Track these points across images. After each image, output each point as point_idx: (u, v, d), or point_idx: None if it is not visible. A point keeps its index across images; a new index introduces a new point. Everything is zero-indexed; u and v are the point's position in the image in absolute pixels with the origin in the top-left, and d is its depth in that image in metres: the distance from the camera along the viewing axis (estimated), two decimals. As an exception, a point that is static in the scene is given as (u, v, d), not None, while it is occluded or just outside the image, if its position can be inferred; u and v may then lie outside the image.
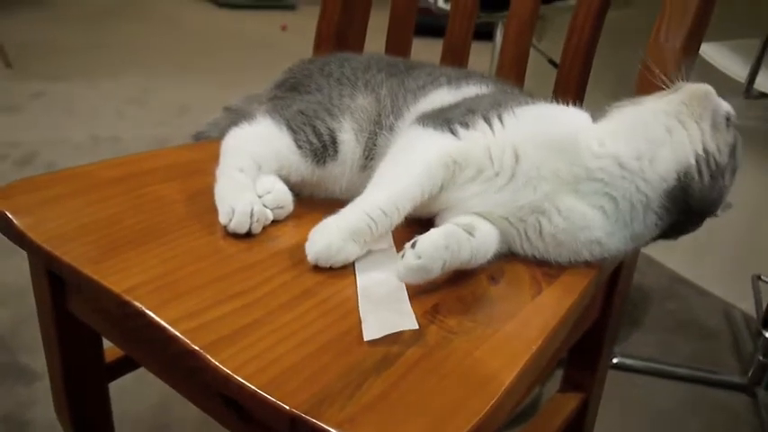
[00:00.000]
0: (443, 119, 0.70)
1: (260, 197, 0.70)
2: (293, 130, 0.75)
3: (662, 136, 0.65)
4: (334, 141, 0.75)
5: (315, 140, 0.75)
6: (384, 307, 0.59)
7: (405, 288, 0.61)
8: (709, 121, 0.66)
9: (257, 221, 0.68)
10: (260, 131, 0.76)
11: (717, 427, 1.30)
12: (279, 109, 0.78)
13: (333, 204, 0.71)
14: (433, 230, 0.62)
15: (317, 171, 0.75)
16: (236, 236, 0.68)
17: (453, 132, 0.68)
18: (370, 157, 0.75)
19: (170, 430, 1.16)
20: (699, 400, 1.36)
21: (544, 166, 0.65)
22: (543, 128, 0.68)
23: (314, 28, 1.07)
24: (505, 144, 0.67)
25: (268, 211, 0.70)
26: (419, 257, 0.59)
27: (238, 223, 0.67)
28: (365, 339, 0.54)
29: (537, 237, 0.67)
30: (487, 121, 0.68)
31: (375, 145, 0.75)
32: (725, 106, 0.67)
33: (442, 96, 0.76)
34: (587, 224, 0.65)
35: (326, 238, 0.63)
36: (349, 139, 0.76)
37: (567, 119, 0.69)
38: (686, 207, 0.65)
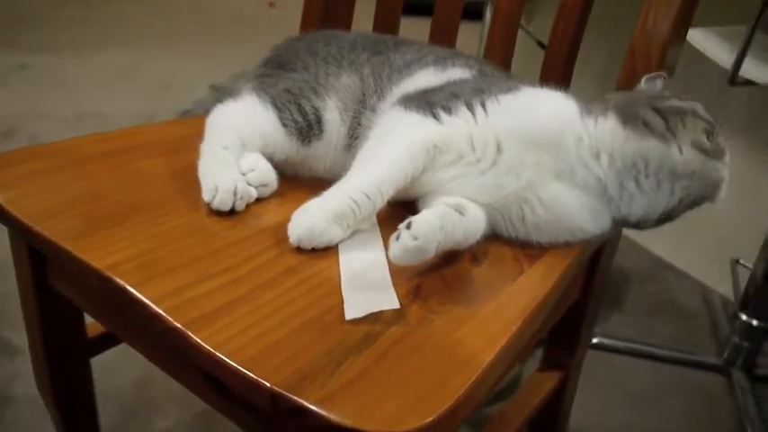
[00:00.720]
0: (426, 102, 0.70)
1: (244, 175, 0.70)
2: (278, 108, 0.74)
3: (650, 188, 0.65)
4: (319, 120, 0.75)
5: (300, 119, 0.74)
6: (366, 286, 0.59)
7: (387, 268, 0.62)
8: (691, 199, 0.65)
9: (240, 199, 0.68)
10: (245, 109, 0.76)
11: (694, 407, 1.33)
12: (265, 87, 0.78)
13: (317, 183, 0.72)
14: (425, 211, 0.62)
15: (302, 150, 0.75)
16: (219, 213, 0.68)
17: (435, 117, 0.68)
18: (354, 136, 0.75)
19: (153, 404, 1.17)
20: (677, 381, 1.39)
21: (527, 157, 0.66)
22: (527, 120, 0.67)
23: (301, 4, 1.06)
24: (488, 133, 0.67)
25: (252, 189, 0.70)
26: (415, 238, 0.59)
27: (221, 201, 0.67)
28: (346, 319, 0.55)
29: (520, 222, 0.68)
30: (470, 108, 0.68)
31: (359, 125, 0.75)
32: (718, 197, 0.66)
33: (427, 77, 0.76)
34: (570, 213, 0.66)
35: (309, 220, 0.63)
36: (334, 118, 0.75)
37: (553, 111, 0.69)
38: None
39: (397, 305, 0.57)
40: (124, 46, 2.94)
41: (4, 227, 0.73)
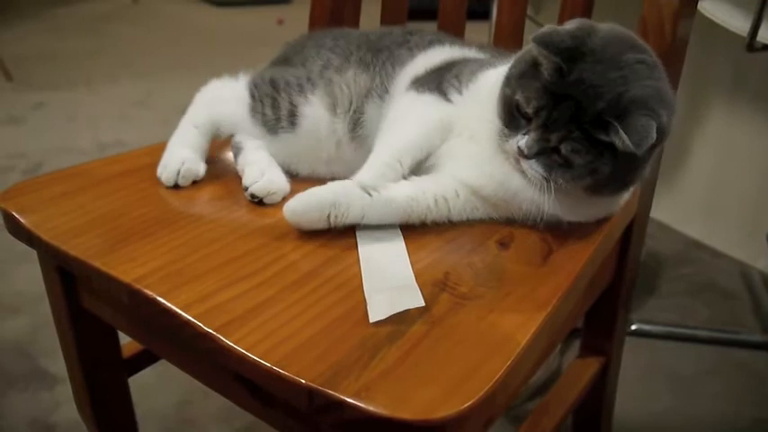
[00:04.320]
0: (437, 83, 0.71)
1: (246, 188, 0.71)
2: (253, 97, 0.78)
3: None
4: (292, 114, 0.76)
5: (269, 112, 0.77)
6: (388, 286, 0.58)
7: (409, 264, 0.61)
8: None
9: (183, 178, 0.74)
10: (229, 92, 0.80)
11: (740, 387, 1.29)
12: (257, 74, 0.81)
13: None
14: (329, 183, 0.64)
15: (273, 139, 0.77)
16: (239, 221, 0.68)
17: (446, 96, 0.70)
18: (358, 128, 0.75)
19: (194, 424, 1.17)
20: (721, 362, 1.35)
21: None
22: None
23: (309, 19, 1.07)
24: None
25: (199, 168, 0.75)
26: (297, 206, 0.63)
27: (166, 179, 0.74)
28: (370, 321, 0.53)
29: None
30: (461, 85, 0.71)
31: (363, 113, 0.75)
32: None
33: (432, 58, 0.77)
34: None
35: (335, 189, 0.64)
36: (314, 113, 0.76)
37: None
38: None
39: (421, 303, 0.55)
40: (138, 76, 2.99)
41: (36, 262, 0.75)
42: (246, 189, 0.71)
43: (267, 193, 0.71)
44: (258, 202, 0.71)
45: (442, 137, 0.69)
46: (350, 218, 0.64)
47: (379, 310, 0.54)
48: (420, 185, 0.67)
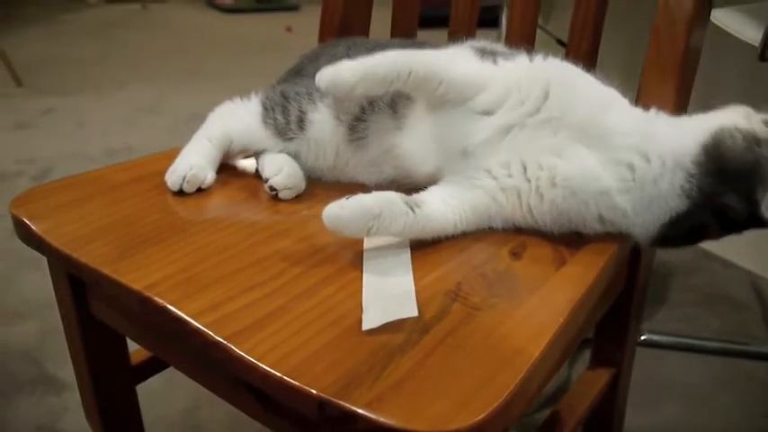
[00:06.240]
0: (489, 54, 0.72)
1: (266, 180, 0.74)
2: (265, 108, 0.79)
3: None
4: (300, 120, 0.77)
5: (280, 117, 0.77)
6: (386, 294, 0.57)
7: (410, 274, 0.60)
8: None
9: (188, 184, 0.74)
10: (242, 109, 0.80)
11: (750, 398, 1.28)
12: (269, 89, 0.82)
13: (350, 190, 0.71)
14: (374, 193, 0.62)
15: (285, 146, 0.78)
16: (251, 229, 0.68)
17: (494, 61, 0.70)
18: (358, 135, 0.75)
19: (201, 431, 1.16)
20: (731, 374, 1.34)
21: (570, 111, 0.65)
22: (581, 79, 0.68)
23: (317, 26, 1.07)
24: (539, 77, 0.67)
25: (207, 176, 0.75)
26: (342, 213, 0.60)
27: (172, 183, 0.74)
28: (363, 329, 0.53)
29: (548, 187, 0.65)
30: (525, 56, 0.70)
31: (365, 123, 0.74)
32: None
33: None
34: (597, 175, 0.64)
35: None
36: (321, 119, 0.76)
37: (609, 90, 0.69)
38: (719, 172, 0.62)
39: (415, 313, 0.55)
40: (147, 82, 3.00)
41: (44, 269, 0.75)
42: (266, 181, 0.74)
43: (284, 186, 0.74)
44: (275, 195, 0.74)
45: (467, 92, 0.68)
46: (389, 232, 0.63)
47: (372, 318, 0.54)
48: (449, 201, 0.67)
